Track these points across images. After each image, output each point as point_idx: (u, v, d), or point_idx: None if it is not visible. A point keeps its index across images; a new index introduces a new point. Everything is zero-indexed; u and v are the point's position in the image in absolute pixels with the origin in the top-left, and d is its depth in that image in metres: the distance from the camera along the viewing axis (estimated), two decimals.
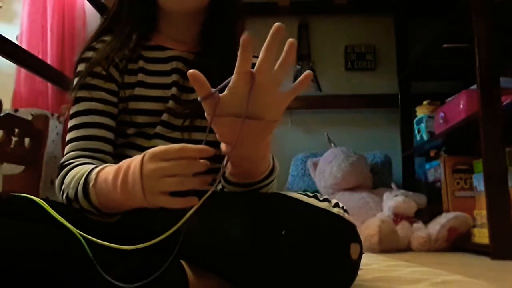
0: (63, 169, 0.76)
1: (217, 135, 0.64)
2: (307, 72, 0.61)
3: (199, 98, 0.60)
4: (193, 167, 0.60)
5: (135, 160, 0.62)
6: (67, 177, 0.73)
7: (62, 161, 0.78)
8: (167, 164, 0.59)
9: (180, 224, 0.60)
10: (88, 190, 0.68)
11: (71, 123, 0.82)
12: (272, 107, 0.61)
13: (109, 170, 0.66)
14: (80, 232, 0.62)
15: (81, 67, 0.84)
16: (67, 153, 0.79)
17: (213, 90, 0.59)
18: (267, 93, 0.60)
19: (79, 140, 0.79)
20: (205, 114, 0.62)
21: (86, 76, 0.82)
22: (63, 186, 0.74)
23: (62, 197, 0.74)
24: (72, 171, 0.74)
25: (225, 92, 0.60)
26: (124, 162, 0.64)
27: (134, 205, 0.65)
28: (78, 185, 0.70)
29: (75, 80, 0.84)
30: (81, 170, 0.72)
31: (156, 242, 0.71)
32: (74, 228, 0.62)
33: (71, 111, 0.83)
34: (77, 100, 0.82)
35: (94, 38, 0.88)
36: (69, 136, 0.81)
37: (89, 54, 0.85)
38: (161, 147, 0.61)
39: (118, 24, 0.87)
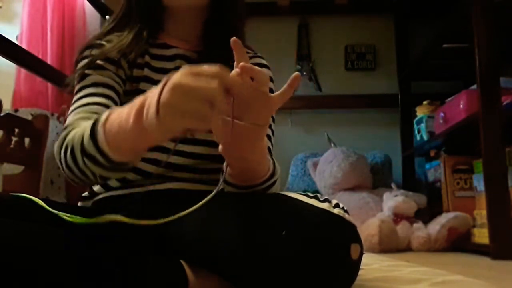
0: (66, 130, 0.72)
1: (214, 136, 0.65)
2: (295, 73, 0.61)
3: None
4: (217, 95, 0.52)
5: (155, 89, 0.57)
6: (70, 134, 0.70)
7: (65, 125, 0.75)
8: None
9: (188, 212, 0.60)
10: (95, 130, 0.64)
11: (76, 96, 0.80)
12: (258, 112, 0.62)
13: (123, 108, 0.63)
14: (78, 218, 0.61)
15: (88, 52, 0.84)
16: (70, 119, 0.75)
17: None
18: (256, 98, 0.60)
19: (85, 106, 0.76)
20: None
21: (97, 60, 0.81)
22: (65, 142, 0.70)
23: (63, 156, 0.70)
24: (76, 128, 0.70)
25: None
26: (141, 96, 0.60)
27: (146, 140, 0.60)
28: (84, 132, 0.66)
29: (82, 62, 0.82)
30: (89, 123, 0.68)
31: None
32: (74, 216, 0.61)
33: (76, 88, 0.81)
34: (84, 76, 0.81)
35: (102, 34, 0.88)
36: (73, 106, 0.78)
37: (98, 41, 0.85)
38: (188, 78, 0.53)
39: (127, 22, 0.88)
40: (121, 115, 0.62)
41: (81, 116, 0.75)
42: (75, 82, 0.82)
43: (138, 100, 0.59)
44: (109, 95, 0.79)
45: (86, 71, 0.81)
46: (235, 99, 0.59)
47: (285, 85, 0.62)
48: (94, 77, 0.80)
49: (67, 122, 0.76)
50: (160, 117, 0.53)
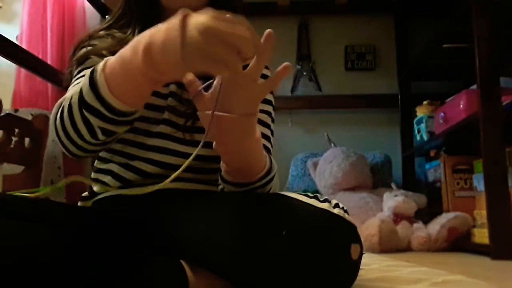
0: (61, 99, 0.70)
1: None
2: (286, 63, 0.60)
3: (190, 96, 0.61)
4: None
5: (169, 23, 0.54)
6: (66, 98, 0.67)
7: (62, 99, 0.72)
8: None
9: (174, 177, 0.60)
10: (94, 78, 0.61)
11: (75, 78, 0.79)
12: (245, 101, 0.61)
13: (121, 50, 0.60)
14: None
15: (87, 42, 0.84)
16: (67, 95, 0.71)
17: (200, 87, 0.61)
18: (240, 87, 0.60)
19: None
20: (197, 112, 0.63)
21: (102, 50, 0.80)
22: (61, 105, 0.68)
23: (59, 118, 0.67)
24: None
25: (211, 89, 0.61)
26: (145, 32, 0.57)
27: (155, 77, 0.58)
28: (82, 85, 0.63)
29: (82, 50, 0.82)
30: (85, 77, 0.64)
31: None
32: (36, 189, 0.61)
33: (76, 71, 0.80)
34: (85, 60, 0.80)
35: (101, 29, 0.87)
36: (71, 86, 0.77)
37: (101, 33, 0.85)
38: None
39: (126, 22, 0.88)
40: (122, 56, 0.59)
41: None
42: (74, 68, 0.81)
43: (142, 37, 0.57)
44: None
45: (88, 55, 0.80)
46: (220, 89, 0.59)
47: (274, 74, 0.61)
48: (95, 60, 0.79)
49: (64, 97, 0.73)
50: (184, 58, 0.52)
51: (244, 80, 0.60)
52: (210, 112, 0.60)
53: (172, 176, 0.61)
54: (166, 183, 0.61)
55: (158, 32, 0.55)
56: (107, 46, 0.82)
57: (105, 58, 0.62)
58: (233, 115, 0.60)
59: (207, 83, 0.61)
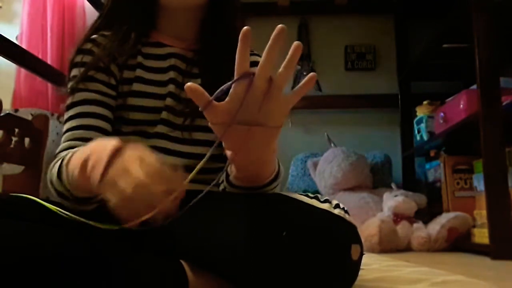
0: (56, 159, 0.74)
1: (223, 143, 0.63)
2: (311, 74, 0.59)
3: (200, 108, 0.58)
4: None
5: (107, 145, 0.57)
6: (54, 167, 0.72)
7: (57, 151, 0.76)
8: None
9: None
10: (61, 168, 0.67)
11: (67, 114, 0.80)
12: (275, 112, 0.59)
13: (80, 151, 0.64)
14: (85, 220, 0.61)
15: (79, 58, 0.83)
16: (62, 143, 0.77)
17: (211, 97, 0.57)
18: (270, 97, 0.58)
19: (74, 130, 0.77)
20: (209, 124, 0.60)
21: (88, 70, 0.80)
22: (48, 175, 0.73)
23: (50, 184, 0.73)
24: (59, 161, 0.71)
25: (227, 98, 0.58)
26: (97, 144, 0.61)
27: (91, 190, 0.60)
28: (54, 172, 0.70)
29: (73, 71, 0.82)
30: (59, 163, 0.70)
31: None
32: (77, 217, 0.61)
33: (67, 103, 0.81)
34: (73, 91, 0.80)
35: (89, 34, 0.86)
36: (65, 127, 0.79)
37: (88, 46, 0.84)
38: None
39: (115, 21, 0.86)
40: (74, 161, 0.63)
41: (72, 145, 0.76)
42: (68, 92, 0.82)
43: (87, 150, 0.60)
44: (97, 112, 0.79)
45: (76, 86, 0.80)
46: (243, 100, 0.57)
47: (301, 84, 0.59)
48: (84, 93, 0.80)
49: (59, 147, 0.77)
50: (100, 188, 0.55)
51: (271, 88, 0.58)
52: (240, 125, 0.58)
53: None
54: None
55: (95, 151, 0.59)
56: (92, 63, 0.81)
57: (71, 152, 0.67)
58: (264, 127, 0.59)
59: (216, 93, 0.57)
